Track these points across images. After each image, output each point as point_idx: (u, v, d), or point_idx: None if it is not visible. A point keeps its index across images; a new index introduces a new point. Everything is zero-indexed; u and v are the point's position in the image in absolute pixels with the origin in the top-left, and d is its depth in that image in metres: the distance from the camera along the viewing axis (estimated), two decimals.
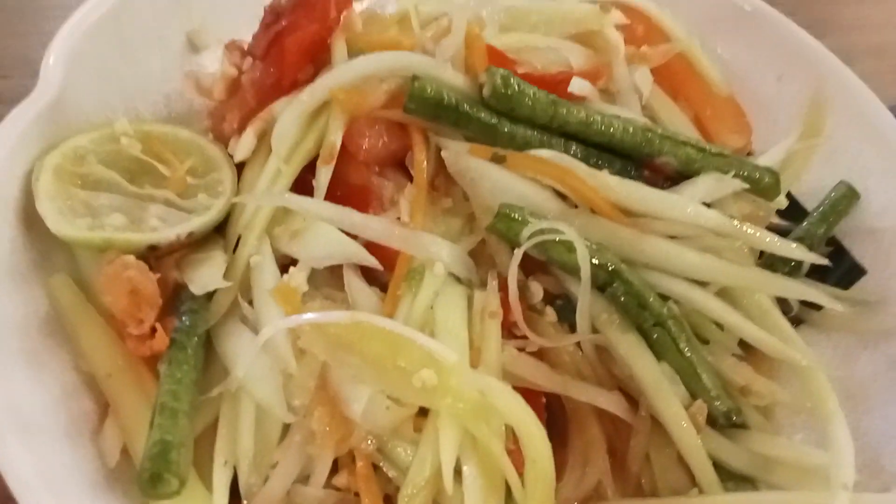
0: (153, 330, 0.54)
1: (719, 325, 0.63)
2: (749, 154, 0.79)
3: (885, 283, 0.69)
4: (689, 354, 0.58)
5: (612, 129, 0.63)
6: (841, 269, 0.72)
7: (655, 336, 0.58)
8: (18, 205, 0.57)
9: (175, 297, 0.57)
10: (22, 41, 0.94)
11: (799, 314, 0.69)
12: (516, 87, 0.60)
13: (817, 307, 0.68)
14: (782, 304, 0.67)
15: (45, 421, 0.51)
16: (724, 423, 0.59)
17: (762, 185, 0.67)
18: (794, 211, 0.75)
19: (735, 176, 0.64)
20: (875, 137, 0.73)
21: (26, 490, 0.45)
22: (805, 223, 0.72)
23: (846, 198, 0.72)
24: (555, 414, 0.61)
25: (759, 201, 0.70)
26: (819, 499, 0.53)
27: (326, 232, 0.57)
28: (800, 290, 0.63)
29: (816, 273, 0.71)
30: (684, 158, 0.64)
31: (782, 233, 0.71)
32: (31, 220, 0.57)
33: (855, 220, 0.73)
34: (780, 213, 0.74)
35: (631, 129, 0.63)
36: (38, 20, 0.97)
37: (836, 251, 0.73)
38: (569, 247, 0.56)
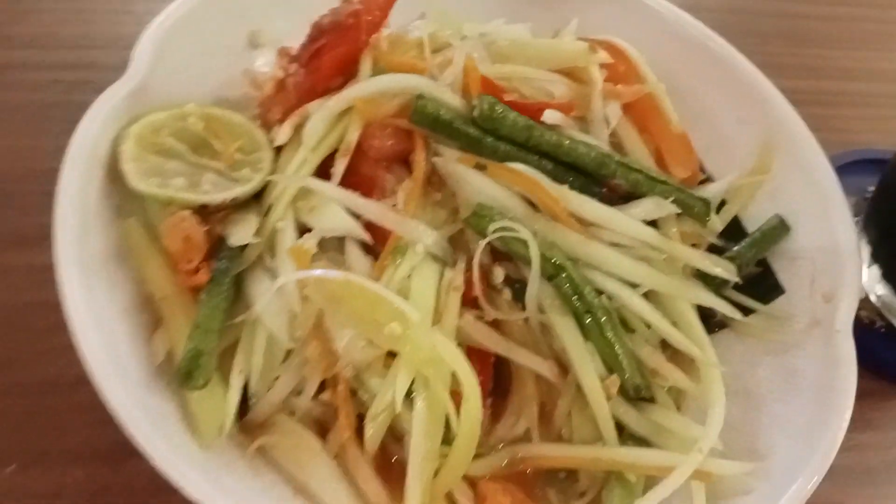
0: (198, 268, 0.68)
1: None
2: (707, 181, 0.91)
3: (796, 303, 0.81)
4: (610, 338, 0.70)
5: (576, 152, 0.75)
6: (766, 286, 0.84)
7: (586, 321, 0.70)
8: (107, 163, 0.70)
9: (217, 246, 0.71)
10: (115, 18, 1.07)
11: (723, 319, 0.80)
12: (500, 112, 0.73)
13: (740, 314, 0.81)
14: (710, 309, 0.79)
15: (115, 325, 0.65)
16: (634, 395, 0.72)
17: (694, 210, 0.79)
18: (738, 234, 0.86)
19: (673, 201, 0.77)
20: (811, 183, 0.84)
21: (100, 372, 0.59)
22: (739, 245, 0.83)
23: (777, 229, 0.84)
24: (502, 373, 0.73)
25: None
26: (681, 458, 0.66)
27: (335, 210, 0.70)
28: (707, 299, 0.76)
29: (748, 286, 0.82)
30: (633, 182, 0.77)
31: (720, 251, 0.85)
32: (114, 175, 0.70)
33: (783, 247, 0.84)
34: (725, 234, 0.85)
35: (592, 154, 0.75)
36: (128, 2, 1.10)
37: (764, 271, 0.85)
38: (524, 243, 0.69)
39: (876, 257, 0.89)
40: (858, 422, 0.87)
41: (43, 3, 1.06)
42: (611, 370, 0.71)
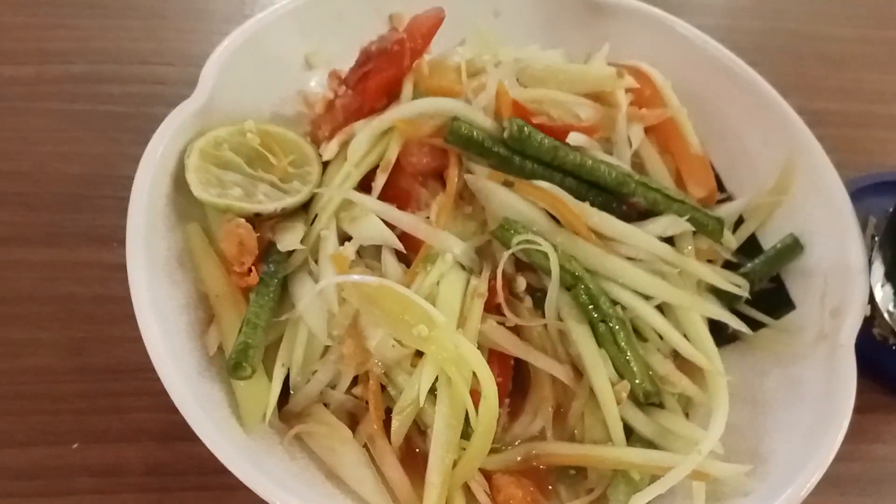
0: (249, 270, 0.75)
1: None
2: (727, 199, 0.96)
3: (805, 318, 0.85)
4: (623, 346, 0.75)
5: (597, 171, 0.81)
6: (778, 301, 0.88)
7: (601, 329, 0.76)
8: (175, 172, 0.78)
9: (267, 251, 0.78)
10: (184, 36, 1.15)
11: (735, 332, 0.85)
12: (527, 133, 0.79)
13: (752, 328, 0.86)
14: (722, 322, 0.84)
15: (174, 318, 0.72)
16: (644, 400, 0.77)
17: (708, 228, 0.84)
18: (755, 250, 0.91)
19: (688, 220, 0.82)
20: (826, 205, 0.88)
21: (159, 361, 0.67)
22: (754, 262, 0.88)
23: (791, 247, 0.88)
24: (521, 374, 0.79)
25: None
26: (681, 459, 0.70)
27: (373, 221, 0.77)
28: (717, 312, 0.81)
29: (761, 300, 0.87)
30: (651, 200, 0.82)
31: (736, 267, 0.90)
32: (180, 184, 0.78)
33: (797, 264, 0.89)
34: (742, 250, 0.91)
35: (613, 173, 0.81)
36: (197, 20, 1.18)
37: (777, 286, 0.89)
38: (545, 255, 0.75)
39: (890, 277, 0.92)
40: (869, 433, 0.92)
41: (119, 21, 1.15)
42: (622, 376, 0.77)
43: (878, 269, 0.95)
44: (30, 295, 0.89)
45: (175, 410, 0.68)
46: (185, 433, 0.75)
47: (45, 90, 1.06)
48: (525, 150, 0.80)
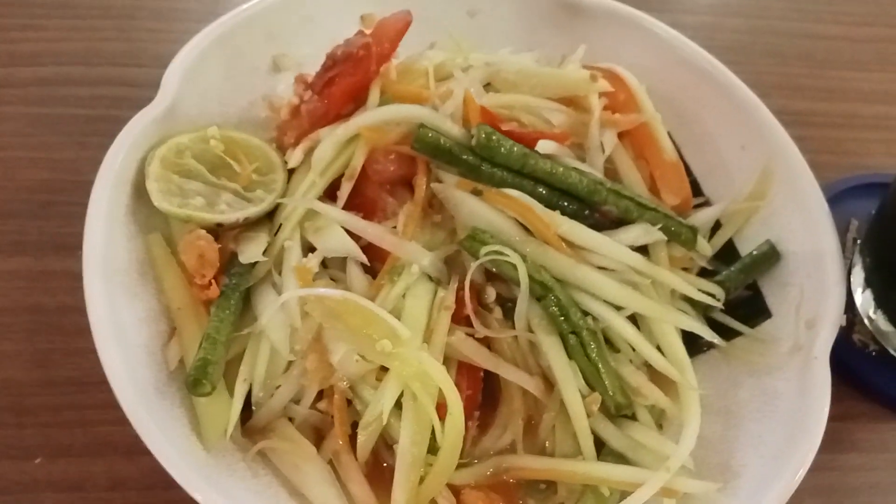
0: (210, 283, 0.74)
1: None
2: (705, 204, 0.94)
3: (780, 328, 0.83)
4: (594, 357, 0.74)
5: (569, 179, 0.79)
6: (754, 309, 0.87)
7: (571, 341, 0.74)
8: (134, 181, 0.77)
9: (229, 262, 0.76)
10: (155, 36, 1.13)
11: (711, 341, 0.83)
12: (496, 141, 0.77)
13: (727, 337, 0.84)
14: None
15: (133, 333, 0.71)
16: (615, 413, 0.75)
17: (681, 237, 0.83)
18: (732, 257, 0.90)
19: (661, 228, 0.81)
20: (803, 212, 0.86)
21: (115, 378, 0.66)
22: (729, 269, 0.87)
23: (767, 255, 0.87)
24: (491, 387, 0.78)
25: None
26: (650, 475, 0.69)
27: (337, 232, 0.75)
28: (688, 323, 0.79)
29: (737, 308, 0.86)
30: (623, 208, 0.80)
31: (712, 274, 0.89)
32: (140, 193, 0.76)
33: (774, 272, 0.87)
34: (718, 257, 0.89)
35: (584, 181, 0.79)
36: (169, 20, 1.16)
37: (754, 294, 0.88)
38: (514, 266, 0.74)
39: (869, 282, 0.91)
40: (846, 443, 0.90)
41: (91, 21, 1.13)
42: (593, 388, 0.75)
43: (859, 273, 0.94)
44: None
45: None
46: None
47: (13, 93, 1.04)
48: (494, 158, 0.78)
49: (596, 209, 0.82)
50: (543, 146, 0.79)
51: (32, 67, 1.07)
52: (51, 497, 0.78)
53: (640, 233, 0.81)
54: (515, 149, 0.78)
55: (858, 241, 0.99)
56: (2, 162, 0.98)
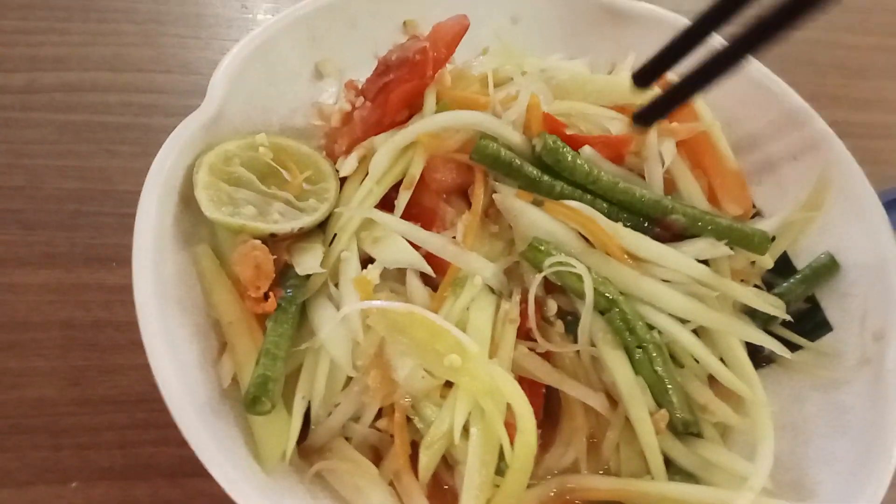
0: (266, 295, 0.70)
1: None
2: (757, 215, 0.93)
3: (844, 340, 0.81)
4: (661, 373, 0.72)
5: (631, 193, 0.77)
6: (813, 323, 0.84)
7: (637, 356, 0.72)
8: (182, 190, 0.73)
9: (283, 274, 0.73)
10: (182, 43, 1.10)
11: (770, 355, 0.81)
12: (563, 150, 0.75)
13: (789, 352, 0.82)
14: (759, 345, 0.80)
15: (185, 347, 0.67)
16: (682, 430, 0.73)
17: (755, 242, 0.80)
18: (787, 269, 0.87)
19: (730, 236, 0.78)
20: (862, 221, 0.84)
21: (170, 394, 0.62)
22: (789, 282, 0.84)
23: (827, 266, 0.84)
24: (552, 403, 0.76)
25: (753, 258, 0.85)
26: (732, 496, 0.67)
27: (398, 242, 0.73)
28: (758, 336, 0.77)
29: (796, 322, 0.83)
30: (690, 217, 0.78)
31: (768, 287, 0.87)
32: (188, 202, 0.73)
33: (833, 284, 0.84)
34: (774, 269, 0.87)
35: (646, 196, 0.78)
36: (195, 26, 1.13)
37: (813, 307, 0.85)
38: (579, 277, 0.72)
39: None
40: None
41: (115, 26, 1.10)
42: (660, 405, 0.73)
43: None
44: (25, 320, 0.84)
45: (185, 444, 0.63)
46: (196, 469, 0.69)
47: (38, 99, 1.01)
48: (558, 167, 0.76)
49: (658, 222, 0.79)
50: (586, 153, 0.77)
51: (57, 73, 1.03)
52: None
53: (705, 247, 0.78)
54: (580, 160, 0.76)
55: None
56: (28, 170, 0.94)
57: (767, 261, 0.85)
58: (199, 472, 0.62)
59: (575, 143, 0.78)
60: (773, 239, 0.89)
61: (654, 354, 0.73)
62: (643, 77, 0.83)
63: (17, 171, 0.94)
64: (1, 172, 0.93)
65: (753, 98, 0.94)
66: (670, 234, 0.80)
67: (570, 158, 0.75)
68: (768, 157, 0.93)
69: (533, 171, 0.76)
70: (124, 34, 1.10)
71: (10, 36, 1.06)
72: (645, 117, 0.81)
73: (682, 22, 0.97)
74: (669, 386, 0.73)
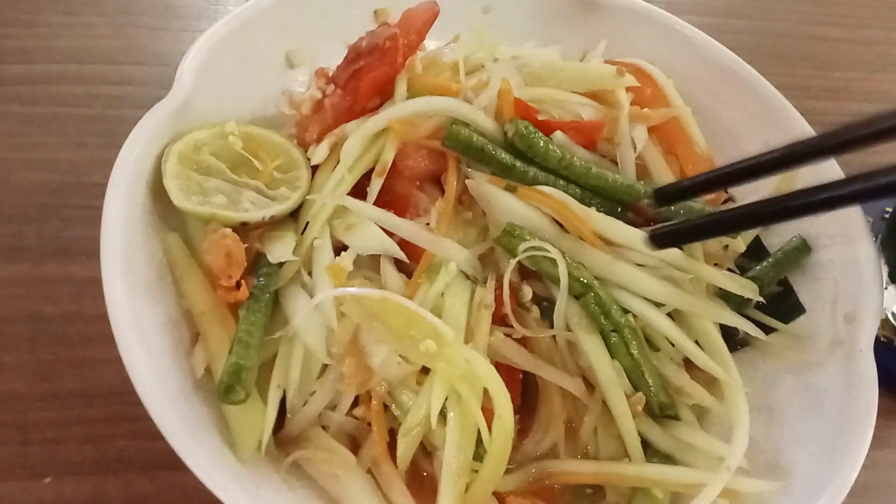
0: (238, 284, 0.69)
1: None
2: (729, 200, 0.93)
3: (817, 323, 0.82)
4: (636, 357, 0.72)
5: (604, 179, 0.78)
6: (787, 305, 0.85)
7: (612, 340, 0.72)
8: (151, 179, 0.72)
9: (255, 263, 0.72)
10: (153, 34, 1.09)
11: (745, 338, 0.82)
12: (534, 135, 0.75)
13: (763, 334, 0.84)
14: (732, 327, 0.79)
15: (156, 338, 0.66)
16: (659, 413, 0.73)
17: None
18: (760, 253, 0.88)
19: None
20: None
21: (143, 385, 0.61)
22: (762, 265, 0.85)
23: (799, 249, 0.85)
24: (529, 388, 0.75)
25: (725, 242, 0.86)
26: (709, 477, 0.67)
27: (371, 229, 0.72)
28: (732, 319, 0.77)
29: (769, 305, 0.83)
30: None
31: (742, 271, 0.87)
32: (157, 191, 0.72)
33: (806, 267, 0.86)
34: (747, 253, 0.87)
35: (619, 181, 0.78)
36: (165, 17, 1.12)
37: (785, 290, 0.86)
38: (553, 263, 0.72)
39: (893, 277, 0.90)
40: (875, 439, 0.88)
41: (83, 18, 1.09)
42: (636, 388, 0.73)
43: (882, 270, 0.93)
44: None
45: (157, 437, 0.62)
46: (169, 462, 0.68)
47: (4, 91, 0.99)
48: (531, 153, 0.76)
49: (631, 207, 0.79)
50: (558, 139, 0.77)
51: (23, 65, 1.02)
52: None
53: None
54: (552, 146, 0.76)
55: (877, 239, 0.99)
56: None
57: (740, 244, 0.85)
58: (172, 465, 0.61)
59: (547, 129, 0.78)
60: None
61: (629, 338, 0.73)
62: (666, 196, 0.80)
63: None
64: None
65: (722, 85, 0.95)
66: (643, 219, 0.80)
67: (542, 144, 0.75)
68: (738, 143, 0.94)
69: (506, 157, 0.75)
70: (92, 26, 1.08)
71: None
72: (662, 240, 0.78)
73: (657, 12, 0.98)
74: (645, 369, 0.73)
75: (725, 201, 0.92)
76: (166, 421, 0.61)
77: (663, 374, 0.75)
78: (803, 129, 0.89)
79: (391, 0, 0.93)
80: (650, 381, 0.73)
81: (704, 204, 0.83)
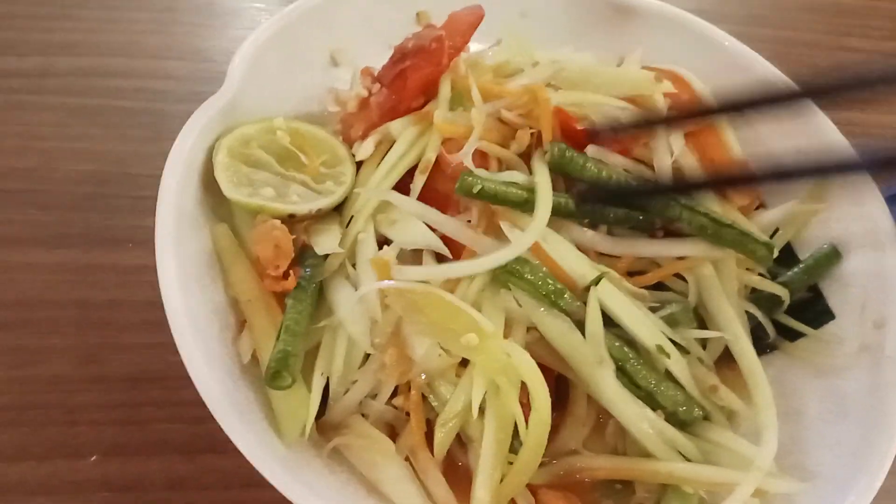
0: (285, 274, 0.72)
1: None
2: (760, 206, 0.95)
3: (845, 329, 0.83)
4: (644, 387, 0.72)
5: None
6: (816, 311, 0.86)
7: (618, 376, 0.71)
8: (203, 171, 0.75)
9: (302, 254, 0.74)
10: (194, 31, 1.12)
11: (774, 342, 0.84)
12: (570, 158, 0.77)
13: (790, 338, 0.85)
14: (761, 332, 0.82)
15: (205, 325, 0.68)
16: (687, 420, 0.74)
17: (757, 255, 0.81)
18: (790, 259, 0.89)
19: (736, 245, 0.79)
20: (862, 212, 0.86)
21: (195, 369, 0.63)
22: (792, 271, 0.87)
23: (829, 257, 0.86)
24: (561, 389, 0.76)
25: None
26: (740, 476, 0.68)
27: (415, 224, 0.74)
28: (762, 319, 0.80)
29: (799, 311, 0.85)
30: (698, 226, 0.79)
31: (772, 277, 0.88)
32: (207, 183, 0.75)
33: (835, 273, 0.87)
34: (778, 260, 0.87)
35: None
36: (207, 15, 1.15)
37: (815, 296, 0.87)
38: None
39: None
40: None
41: (128, 14, 1.11)
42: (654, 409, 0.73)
43: None
44: (40, 299, 0.85)
45: (199, 422, 0.65)
46: (209, 445, 0.71)
47: (52, 83, 1.02)
48: (569, 173, 0.78)
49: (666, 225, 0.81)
50: (591, 150, 0.79)
51: (70, 58, 1.04)
52: (106, 497, 0.75)
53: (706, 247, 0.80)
54: (589, 164, 0.78)
55: None
56: (43, 153, 0.95)
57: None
58: (211, 447, 0.64)
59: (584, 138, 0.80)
60: (776, 230, 0.91)
61: (631, 371, 0.73)
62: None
63: (32, 153, 0.95)
64: (16, 154, 0.94)
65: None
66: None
67: (578, 165, 0.77)
68: (771, 149, 0.95)
69: (516, 195, 0.76)
70: (137, 21, 1.11)
71: (25, 21, 1.07)
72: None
73: (692, 20, 1.00)
74: (658, 394, 0.73)
75: (758, 207, 0.93)
76: (217, 404, 0.63)
77: (694, 376, 0.76)
78: (834, 134, 0.91)
79: (432, 2, 0.95)
80: (665, 404, 0.73)
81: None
